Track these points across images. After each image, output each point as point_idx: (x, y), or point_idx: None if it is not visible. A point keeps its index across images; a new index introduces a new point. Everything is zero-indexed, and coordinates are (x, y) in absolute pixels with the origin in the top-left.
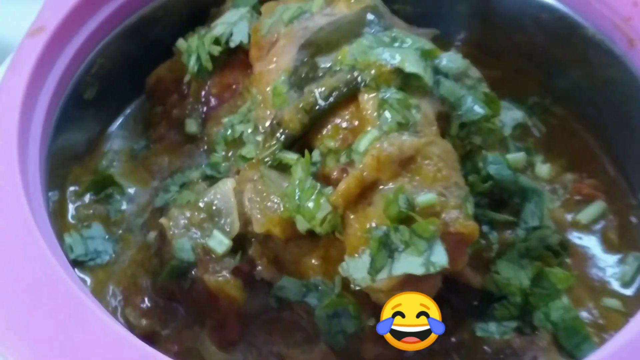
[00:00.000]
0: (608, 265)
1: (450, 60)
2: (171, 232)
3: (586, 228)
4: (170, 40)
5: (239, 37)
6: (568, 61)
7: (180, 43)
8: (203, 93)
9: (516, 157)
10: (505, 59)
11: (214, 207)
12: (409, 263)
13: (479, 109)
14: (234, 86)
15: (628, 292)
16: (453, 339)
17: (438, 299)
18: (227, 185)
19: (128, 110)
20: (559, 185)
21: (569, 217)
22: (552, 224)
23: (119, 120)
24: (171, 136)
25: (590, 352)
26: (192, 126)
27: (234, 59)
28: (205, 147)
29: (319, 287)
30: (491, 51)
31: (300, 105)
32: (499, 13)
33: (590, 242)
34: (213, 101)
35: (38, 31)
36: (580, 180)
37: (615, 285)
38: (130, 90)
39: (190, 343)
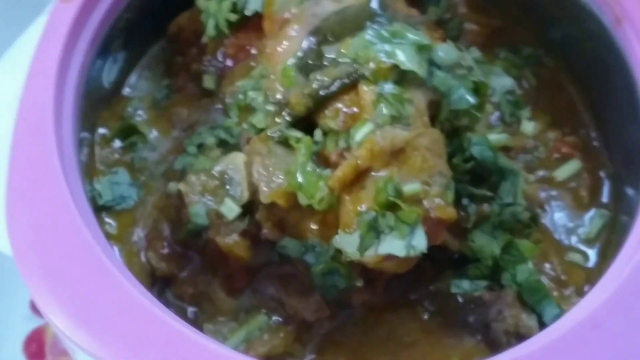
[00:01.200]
0: (576, 222)
1: (445, 52)
2: (188, 199)
3: (560, 185)
4: None
5: (253, 6)
6: (562, 20)
7: (200, 3)
8: (219, 52)
9: (498, 138)
10: (506, 8)
11: (226, 176)
12: (392, 245)
13: (469, 98)
14: (247, 47)
15: (591, 248)
16: (431, 288)
17: None
18: (238, 159)
19: (150, 53)
20: (541, 142)
21: (546, 173)
22: (524, 201)
23: (142, 62)
24: (190, 88)
25: (549, 307)
26: (209, 82)
27: (249, 22)
28: (220, 105)
29: (316, 248)
30: (494, 0)
31: (306, 91)
32: None
33: (562, 199)
34: (228, 61)
35: None
36: (561, 139)
37: (580, 241)
38: (152, 36)
39: (203, 287)
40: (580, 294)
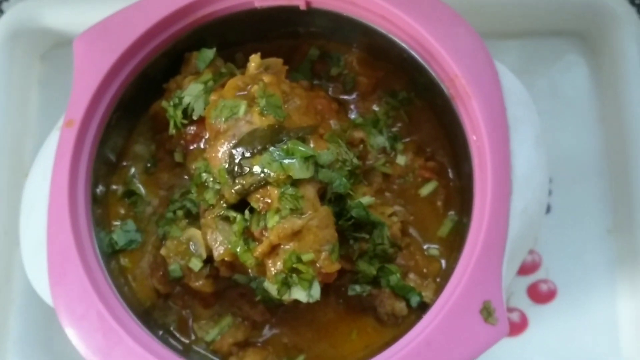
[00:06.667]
0: (434, 225)
1: (326, 155)
2: (168, 259)
3: (424, 199)
4: (161, 77)
5: (198, 112)
6: (422, 81)
7: (164, 104)
8: (181, 138)
9: (368, 200)
10: (385, 64)
11: (191, 243)
12: (298, 294)
13: (345, 183)
14: (200, 135)
15: (444, 245)
16: (338, 284)
17: None
18: (197, 233)
19: (138, 128)
20: (410, 170)
21: (414, 191)
22: (389, 240)
23: (133, 140)
24: (167, 159)
25: (413, 296)
26: (178, 157)
27: (199, 119)
28: (186, 175)
29: (257, 279)
30: (376, 56)
31: (233, 190)
32: (377, 38)
33: (424, 209)
34: (189, 144)
35: (70, 123)
36: (424, 166)
37: (437, 240)
38: (137, 119)
39: (189, 303)
40: (435, 282)
